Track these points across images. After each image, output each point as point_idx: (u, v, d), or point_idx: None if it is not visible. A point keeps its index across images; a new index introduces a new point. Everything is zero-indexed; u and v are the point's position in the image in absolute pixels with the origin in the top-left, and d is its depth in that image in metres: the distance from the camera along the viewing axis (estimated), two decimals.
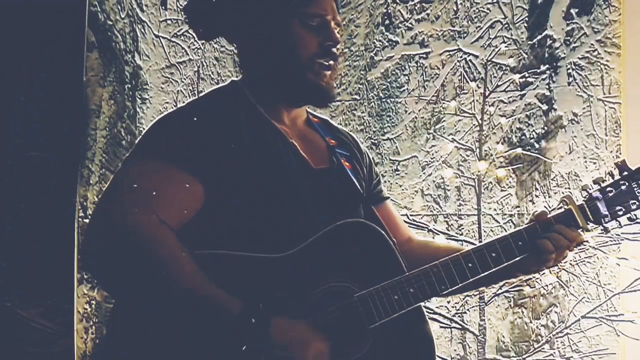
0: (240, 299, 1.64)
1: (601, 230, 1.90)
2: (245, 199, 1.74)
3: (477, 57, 3.43)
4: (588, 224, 1.87)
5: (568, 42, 3.30)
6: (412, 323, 1.78)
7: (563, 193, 3.27)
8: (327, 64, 1.81)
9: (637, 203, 1.87)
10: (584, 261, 3.19)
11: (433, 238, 3.25)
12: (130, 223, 1.63)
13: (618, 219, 1.88)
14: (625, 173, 1.89)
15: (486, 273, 1.82)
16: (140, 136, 1.80)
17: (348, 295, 1.73)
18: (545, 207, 3.28)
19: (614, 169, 1.90)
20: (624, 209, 1.87)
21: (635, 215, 1.88)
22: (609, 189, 1.88)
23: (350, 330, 1.72)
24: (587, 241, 1.93)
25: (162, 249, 1.64)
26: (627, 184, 1.88)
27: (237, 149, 1.75)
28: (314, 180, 1.84)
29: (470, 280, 1.81)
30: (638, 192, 1.87)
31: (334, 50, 1.82)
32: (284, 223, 1.76)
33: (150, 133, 1.78)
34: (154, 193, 1.67)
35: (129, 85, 3.92)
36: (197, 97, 1.90)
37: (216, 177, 1.72)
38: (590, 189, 1.89)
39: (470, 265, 1.80)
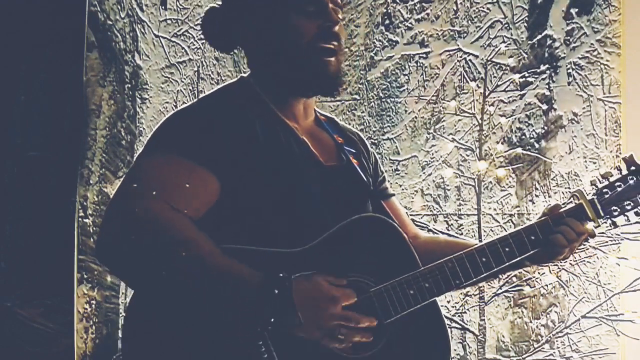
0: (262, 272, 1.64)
1: (610, 224, 1.91)
2: (258, 194, 1.75)
3: (477, 57, 3.43)
4: (598, 219, 1.88)
5: (568, 42, 3.30)
6: (427, 317, 1.80)
7: (563, 193, 3.27)
8: (329, 46, 1.81)
9: None
10: (584, 261, 3.19)
11: None
12: (145, 212, 1.64)
13: (626, 213, 1.89)
14: (633, 168, 1.90)
15: (500, 267, 1.85)
16: (153, 131, 1.81)
17: (364, 290, 1.74)
18: (546, 206, 3.28)
19: (620, 163, 1.91)
20: (632, 204, 1.88)
21: None
22: (617, 183, 1.89)
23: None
24: (596, 235, 1.95)
25: (178, 231, 1.65)
26: (635, 178, 1.89)
27: (251, 144, 1.76)
28: (325, 177, 1.85)
29: (484, 274, 1.84)
30: None
31: (335, 30, 1.82)
32: (296, 219, 1.77)
33: (164, 128, 1.79)
34: (168, 186, 1.68)
35: (129, 85, 3.92)
36: (206, 94, 1.90)
37: (230, 172, 1.72)
38: (598, 184, 1.90)
39: (484, 259, 1.83)
